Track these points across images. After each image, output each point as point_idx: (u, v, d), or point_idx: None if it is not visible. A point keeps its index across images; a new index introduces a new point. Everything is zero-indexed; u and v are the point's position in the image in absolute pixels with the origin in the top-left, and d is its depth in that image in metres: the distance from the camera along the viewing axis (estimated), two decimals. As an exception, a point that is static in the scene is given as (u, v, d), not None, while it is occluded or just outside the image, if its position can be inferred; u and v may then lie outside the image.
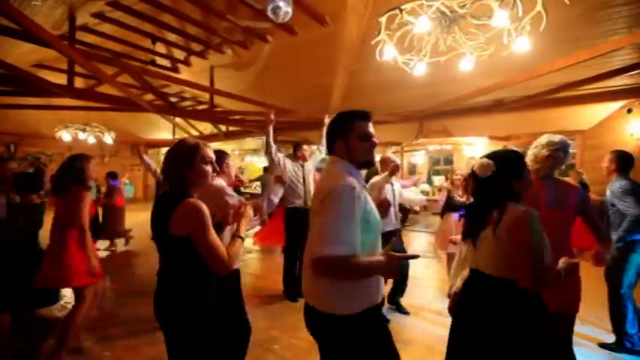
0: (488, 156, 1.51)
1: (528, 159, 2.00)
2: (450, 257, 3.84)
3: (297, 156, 4.07)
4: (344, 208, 1.16)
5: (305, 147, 4.11)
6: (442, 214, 4.01)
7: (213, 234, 1.38)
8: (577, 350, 2.07)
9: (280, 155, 3.92)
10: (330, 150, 1.40)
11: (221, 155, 2.26)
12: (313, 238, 1.20)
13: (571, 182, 2.08)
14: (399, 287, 3.51)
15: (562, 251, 1.90)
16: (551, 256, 1.89)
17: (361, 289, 1.22)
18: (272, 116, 3.84)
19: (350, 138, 1.33)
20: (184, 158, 1.43)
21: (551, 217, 1.86)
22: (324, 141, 4.18)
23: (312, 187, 3.99)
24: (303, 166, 4.01)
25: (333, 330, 1.22)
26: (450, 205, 3.87)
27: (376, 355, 1.23)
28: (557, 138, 1.93)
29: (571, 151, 1.99)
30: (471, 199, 3.79)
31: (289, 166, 3.94)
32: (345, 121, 1.37)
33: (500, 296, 1.41)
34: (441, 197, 3.95)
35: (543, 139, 1.95)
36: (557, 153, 1.89)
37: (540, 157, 1.93)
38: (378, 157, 4.48)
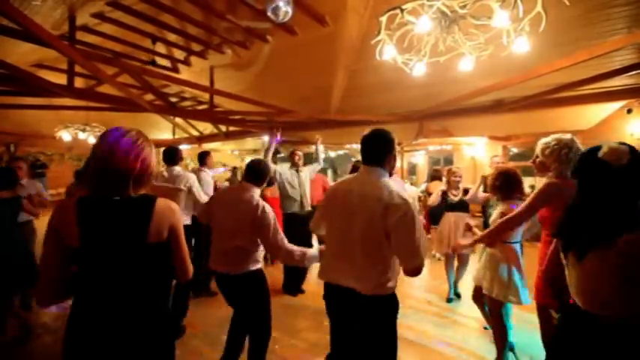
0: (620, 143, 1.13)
1: (550, 160, 1.94)
2: (449, 258, 3.85)
3: (292, 162, 4.23)
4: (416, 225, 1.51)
5: (298, 152, 4.27)
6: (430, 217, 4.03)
7: (184, 242, 1.31)
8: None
9: (276, 166, 4.11)
10: (379, 162, 1.65)
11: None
12: (408, 249, 1.49)
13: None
14: None
15: None
16: None
17: (396, 277, 1.65)
18: (278, 135, 4.15)
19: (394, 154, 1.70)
20: (149, 158, 1.23)
21: None
22: (321, 155, 4.38)
23: (307, 192, 4.18)
24: (298, 172, 4.15)
25: (382, 305, 1.62)
26: (447, 205, 3.87)
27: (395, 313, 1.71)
28: (569, 136, 1.92)
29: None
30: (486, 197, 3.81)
31: (286, 173, 4.10)
32: (394, 140, 1.70)
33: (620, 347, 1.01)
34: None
35: (561, 138, 1.91)
36: (578, 150, 1.87)
37: (564, 156, 1.88)
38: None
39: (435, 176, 6.68)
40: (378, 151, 1.66)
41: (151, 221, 1.16)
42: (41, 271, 1.16)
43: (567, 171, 1.88)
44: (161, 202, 1.21)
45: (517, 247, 2.43)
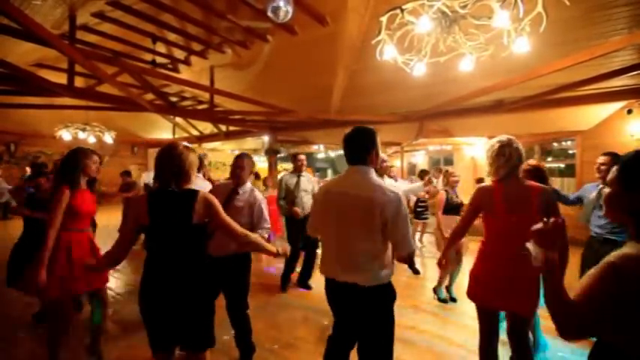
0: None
1: (486, 164, 1.99)
2: (450, 260, 3.81)
3: (295, 167, 4.12)
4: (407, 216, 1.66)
5: (301, 157, 4.10)
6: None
7: (225, 215, 1.72)
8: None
9: (281, 178, 4.14)
10: (363, 160, 1.70)
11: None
12: (404, 238, 1.62)
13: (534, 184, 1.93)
14: None
15: (525, 260, 1.82)
16: (512, 265, 1.82)
17: (390, 266, 1.73)
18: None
19: (377, 150, 1.74)
20: (187, 162, 1.67)
21: (510, 222, 1.82)
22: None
23: (306, 197, 4.10)
24: (299, 177, 4.07)
25: (383, 293, 1.70)
26: (445, 206, 3.86)
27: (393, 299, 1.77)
28: (504, 137, 1.92)
29: (521, 148, 1.89)
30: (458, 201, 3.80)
31: (287, 181, 4.06)
32: (375, 135, 1.73)
33: None
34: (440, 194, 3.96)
35: (492, 140, 1.96)
36: (504, 149, 1.86)
37: (491, 158, 1.91)
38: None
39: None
40: (362, 149, 1.71)
41: (194, 207, 1.60)
42: (120, 238, 1.71)
43: (503, 169, 1.87)
44: (201, 194, 1.65)
45: None
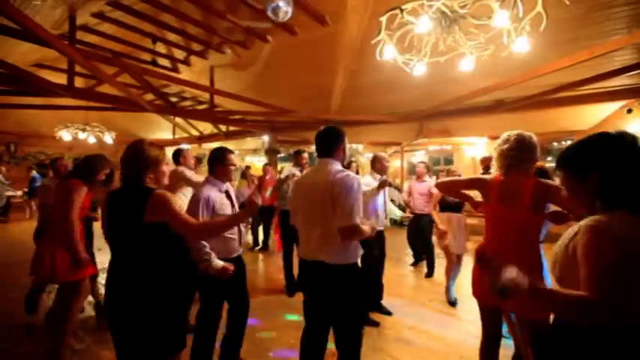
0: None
1: (494, 157, 1.97)
2: (451, 257, 3.80)
3: (297, 163, 4.16)
4: (360, 194, 1.80)
5: (305, 154, 4.15)
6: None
7: (183, 213, 1.58)
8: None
9: (288, 172, 4.15)
10: (329, 154, 1.90)
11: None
12: (347, 211, 1.73)
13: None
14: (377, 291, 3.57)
15: (518, 254, 1.73)
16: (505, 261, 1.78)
17: (355, 248, 1.88)
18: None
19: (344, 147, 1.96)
20: (149, 161, 1.59)
21: (501, 214, 1.83)
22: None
23: None
24: (302, 172, 4.05)
25: (346, 273, 1.82)
26: (442, 204, 3.88)
27: (359, 281, 1.91)
28: (513, 132, 1.89)
29: (533, 144, 1.85)
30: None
31: (295, 174, 4.06)
32: (343, 134, 1.96)
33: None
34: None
35: (503, 134, 1.93)
36: (512, 144, 1.84)
37: (498, 151, 1.90)
38: (370, 156, 4.52)
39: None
40: (328, 145, 1.92)
41: (147, 207, 1.49)
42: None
43: (507, 162, 1.86)
44: (155, 193, 1.52)
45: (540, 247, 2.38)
